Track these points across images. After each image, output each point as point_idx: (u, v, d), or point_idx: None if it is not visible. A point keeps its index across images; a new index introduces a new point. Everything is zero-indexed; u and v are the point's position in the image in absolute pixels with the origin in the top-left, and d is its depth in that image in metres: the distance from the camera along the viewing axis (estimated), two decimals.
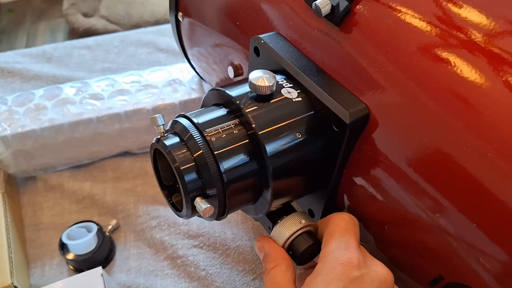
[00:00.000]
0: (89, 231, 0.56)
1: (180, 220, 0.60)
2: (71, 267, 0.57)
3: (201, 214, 0.34)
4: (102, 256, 0.56)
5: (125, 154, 0.68)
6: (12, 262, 0.52)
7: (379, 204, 0.37)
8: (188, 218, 0.37)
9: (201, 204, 0.34)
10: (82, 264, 0.55)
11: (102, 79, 0.67)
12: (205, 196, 0.35)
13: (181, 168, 0.34)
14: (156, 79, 0.66)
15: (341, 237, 0.34)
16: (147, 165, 0.67)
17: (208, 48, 0.56)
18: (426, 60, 0.32)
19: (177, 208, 0.38)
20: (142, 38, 0.90)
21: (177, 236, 0.58)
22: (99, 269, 0.49)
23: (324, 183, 0.39)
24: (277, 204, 0.39)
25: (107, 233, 0.58)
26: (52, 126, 0.61)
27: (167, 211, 0.61)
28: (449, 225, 0.31)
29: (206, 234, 0.58)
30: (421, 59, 0.32)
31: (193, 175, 0.34)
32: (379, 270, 0.33)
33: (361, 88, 0.35)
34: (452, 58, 0.30)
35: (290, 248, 0.39)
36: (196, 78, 0.67)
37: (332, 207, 0.42)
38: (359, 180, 0.38)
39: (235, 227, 0.59)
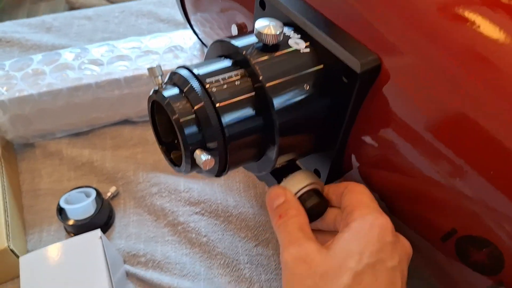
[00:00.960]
0: (87, 196, 0.55)
1: (181, 187, 0.59)
2: (69, 233, 0.56)
3: (201, 167, 0.33)
4: (101, 222, 0.55)
5: (125, 122, 0.67)
6: (8, 226, 0.51)
7: (388, 164, 0.36)
8: (187, 172, 0.36)
9: (201, 156, 0.32)
10: (80, 230, 0.54)
11: (102, 45, 0.65)
12: (205, 150, 0.34)
13: (180, 120, 0.32)
14: (157, 45, 0.65)
15: (373, 204, 0.34)
16: (148, 133, 0.65)
17: (212, 12, 0.54)
18: (442, 15, 0.30)
19: (175, 164, 0.37)
20: (142, 9, 0.88)
21: (178, 203, 0.57)
22: (97, 231, 0.48)
23: (332, 141, 0.38)
24: (282, 161, 0.38)
25: (106, 199, 0.57)
26: (50, 91, 0.59)
27: (168, 178, 0.60)
28: (467, 188, 0.30)
29: (208, 201, 0.57)
30: (438, 14, 0.31)
31: (193, 128, 0.33)
32: (406, 244, 0.34)
33: (373, 40, 0.33)
34: (471, 14, 0.29)
35: None
36: (198, 44, 0.65)
37: (339, 167, 0.40)
38: (367, 139, 0.36)
39: (237, 195, 0.58)
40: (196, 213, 0.56)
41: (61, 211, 0.55)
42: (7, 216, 0.52)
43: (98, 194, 0.56)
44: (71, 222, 0.54)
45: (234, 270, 0.52)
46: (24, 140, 0.64)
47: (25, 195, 0.60)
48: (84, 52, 0.64)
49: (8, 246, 0.49)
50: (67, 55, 0.63)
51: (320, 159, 0.41)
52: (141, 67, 0.62)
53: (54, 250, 0.46)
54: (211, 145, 0.33)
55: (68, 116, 0.62)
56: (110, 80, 0.60)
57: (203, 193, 0.58)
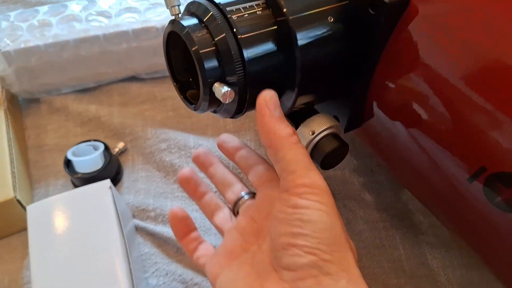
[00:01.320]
0: (95, 149, 0.54)
1: (191, 143, 0.57)
2: (77, 187, 0.54)
3: (221, 99, 0.31)
4: (109, 176, 0.53)
5: (132, 79, 0.65)
6: (15, 177, 0.50)
7: (412, 110, 0.34)
8: (204, 110, 0.34)
9: (220, 88, 0.31)
10: (87, 183, 0.53)
11: None
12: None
13: (200, 51, 0.31)
14: None
15: None
16: (156, 90, 0.64)
17: None
18: None
19: (190, 102, 0.35)
20: None
21: (188, 159, 0.56)
22: (107, 181, 0.46)
23: (354, 83, 0.36)
24: (300, 102, 0.36)
25: (115, 155, 0.56)
26: (57, 43, 0.57)
27: (177, 134, 0.58)
28: (498, 128, 0.28)
29: (218, 158, 0.55)
30: None
31: (213, 60, 0.31)
32: None
33: None
34: None
35: (314, 151, 0.36)
36: None
37: (359, 114, 0.39)
38: (390, 82, 0.35)
39: None
40: None
41: (68, 164, 0.53)
42: (14, 167, 0.51)
43: (106, 148, 0.54)
44: (78, 175, 0.52)
45: None
46: (30, 95, 0.62)
47: (31, 151, 0.59)
48: (92, 3, 0.62)
49: (15, 197, 0.48)
50: (74, 7, 0.61)
51: (340, 105, 0.39)
52: (150, 19, 0.60)
53: (63, 200, 0.45)
54: (230, 79, 0.32)
55: (75, 70, 0.60)
56: (118, 32, 0.58)
57: (213, 150, 0.57)
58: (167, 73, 0.65)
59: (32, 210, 0.44)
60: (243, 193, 0.39)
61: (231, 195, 0.40)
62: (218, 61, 0.31)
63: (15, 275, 0.48)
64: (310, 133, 0.35)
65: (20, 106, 0.63)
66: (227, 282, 0.33)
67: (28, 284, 0.47)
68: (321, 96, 0.37)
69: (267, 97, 0.31)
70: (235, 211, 0.39)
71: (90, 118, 0.61)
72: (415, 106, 0.34)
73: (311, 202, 0.29)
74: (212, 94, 0.32)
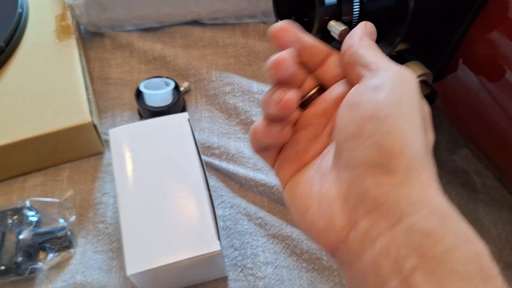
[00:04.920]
0: (166, 85, 0.55)
1: (255, 88, 0.59)
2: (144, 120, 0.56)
3: (337, 37, 0.33)
4: (176, 112, 0.55)
5: (194, 23, 0.66)
6: (90, 102, 0.52)
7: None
8: None
9: (336, 26, 0.32)
10: (156, 117, 0.55)
11: None
12: None
13: None
14: None
15: None
16: (218, 35, 0.65)
17: None
18: None
19: None
20: None
21: (251, 103, 0.58)
22: (185, 114, 0.48)
23: (454, 31, 0.38)
24: (399, 48, 0.38)
25: (181, 92, 0.57)
26: None
27: (241, 80, 0.60)
28: None
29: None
30: None
31: None
32: None
33: None
34: None
35: None
36: None
37: (447, 66, 0.41)
38: (489, 35, 0.36)
39: None
40: None
41: (138, 95, 0.55)
42: (89, 93, 0.52)
43: (176, 85, 0.56)
44: (148, 108, 0.54)
45: None
46: (95, 28, 0.63)
47: (96, 82, 0.61)
48: None
49: (92, 121, 0.50)
50: None
51: (431, 55, 0.40)
52: None
53: (143, 126, 0.47)
54: (345, 18, 0.33)
55: (143, 7, 0.61)
56: None
57: None
58: (229, 20, 0.66)
59: (115, 134, 0.46)
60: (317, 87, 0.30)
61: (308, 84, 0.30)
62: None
63: (87, 195, 0.51)
64: None
65: (84, 39, 0.64)
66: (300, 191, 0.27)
67: (100, 205, 0.50)
68: (421, 42, 0.39)
69: (368, 29, 0.28)
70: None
71: (155, 57, 0.62)
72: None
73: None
74: (325, 31, 0.33)
